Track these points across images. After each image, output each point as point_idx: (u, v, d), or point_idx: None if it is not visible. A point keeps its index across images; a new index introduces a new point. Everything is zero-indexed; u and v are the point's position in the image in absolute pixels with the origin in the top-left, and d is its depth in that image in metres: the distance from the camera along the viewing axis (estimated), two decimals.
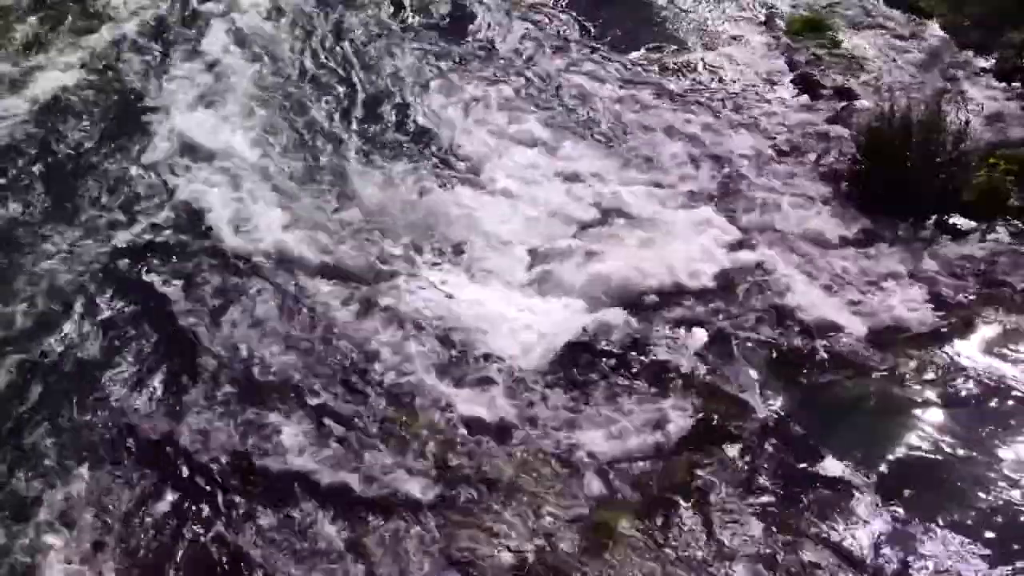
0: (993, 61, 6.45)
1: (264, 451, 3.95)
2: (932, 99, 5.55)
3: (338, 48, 6.93)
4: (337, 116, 6.20)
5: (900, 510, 3.65)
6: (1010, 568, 3.43)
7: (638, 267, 4.83)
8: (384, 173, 5.63)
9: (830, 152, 5.72)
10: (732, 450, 3.93)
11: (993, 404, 4.07)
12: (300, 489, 3.80)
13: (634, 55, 6.89)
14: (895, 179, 5.13)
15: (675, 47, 6.99)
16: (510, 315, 4.57)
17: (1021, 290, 4.67)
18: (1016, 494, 3.67)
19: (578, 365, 4.35)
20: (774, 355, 4.38)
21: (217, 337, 4.50)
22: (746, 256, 4.92)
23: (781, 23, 7.22)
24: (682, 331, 4.50)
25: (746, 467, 3.86)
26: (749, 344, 4.43)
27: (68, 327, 4.57)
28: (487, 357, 4.36)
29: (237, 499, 3.78)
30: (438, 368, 4.32)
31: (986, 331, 4.44)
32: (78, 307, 4.68)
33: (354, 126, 6.11)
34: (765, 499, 3.72)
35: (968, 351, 4.34)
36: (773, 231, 5.13)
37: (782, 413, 4.10)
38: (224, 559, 3.59)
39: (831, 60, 6.64)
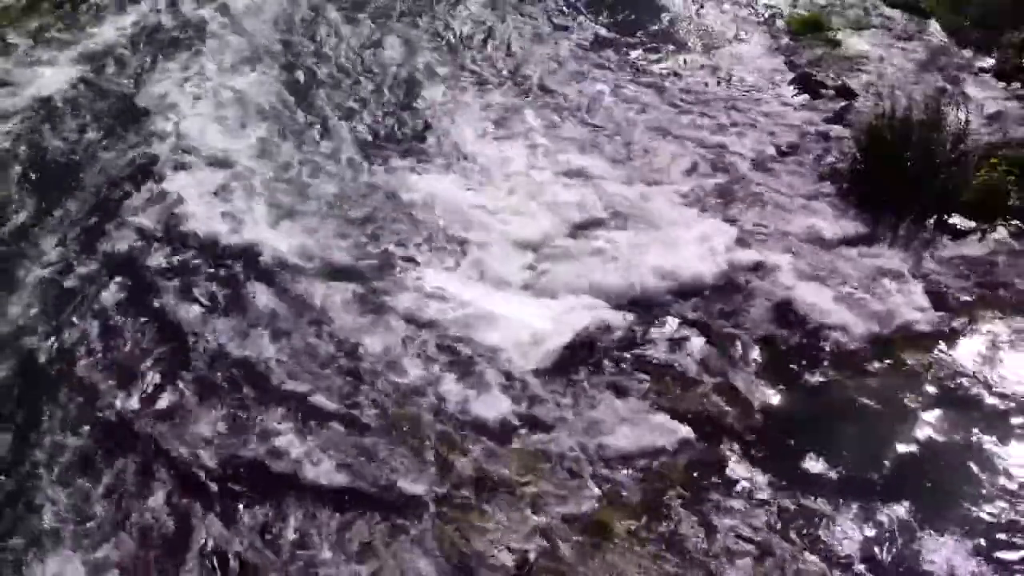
0: (993, 61, 6.45)
1: (264, 451, 3.95)
2: (932, 99, 5.55)
3: (334, 40, 6.94)
4: (338, 114, 6.20)
5: (900, 510, 3.64)
6: (1011, 568, 3.43)
7: (638, 267, 4.84)
8: (385, 172, 5.64)
9: (830, 152, 5.73)
10: (732, 450, 3.93)
11: (993, 404, 4.07)
12: (300, 489, 3.80)
13: (634, 55, 6.90)
14: (895, 179, 5.13)
15: (675, 47, 7.00)
16: (510, 315, 4.57)
17: (1021, 290, 4.68)
18: (1016, 494, 3.67)
19: (578, 365, 4.35)
20: (774, 355, 4.38)
21: (216, 337, 4.50)
22: (746, 256, 4.92)
23: (781, 23, 7.23)
24: (682, 331, 4.51)
25: (746, 467, 3.86)
26: (749, 344, 4.43)
27: (67, 327, 4.57)
28: (487, 356, 4.36)
29: (236, 500, 3.77)
30: (438, 367, 4.32)
31: (986, 331, 4.44)
32: (77, 307, 4.68)
33: (355, 124, 6.11)
34: (765, 499, 3.72)
35: (968, 351, 4.34)
36: (773, 231, 5.14)
37: (782, 413, 4.11)
38: (222, 560, 3.59)
39: (831, 60, 6.66)
